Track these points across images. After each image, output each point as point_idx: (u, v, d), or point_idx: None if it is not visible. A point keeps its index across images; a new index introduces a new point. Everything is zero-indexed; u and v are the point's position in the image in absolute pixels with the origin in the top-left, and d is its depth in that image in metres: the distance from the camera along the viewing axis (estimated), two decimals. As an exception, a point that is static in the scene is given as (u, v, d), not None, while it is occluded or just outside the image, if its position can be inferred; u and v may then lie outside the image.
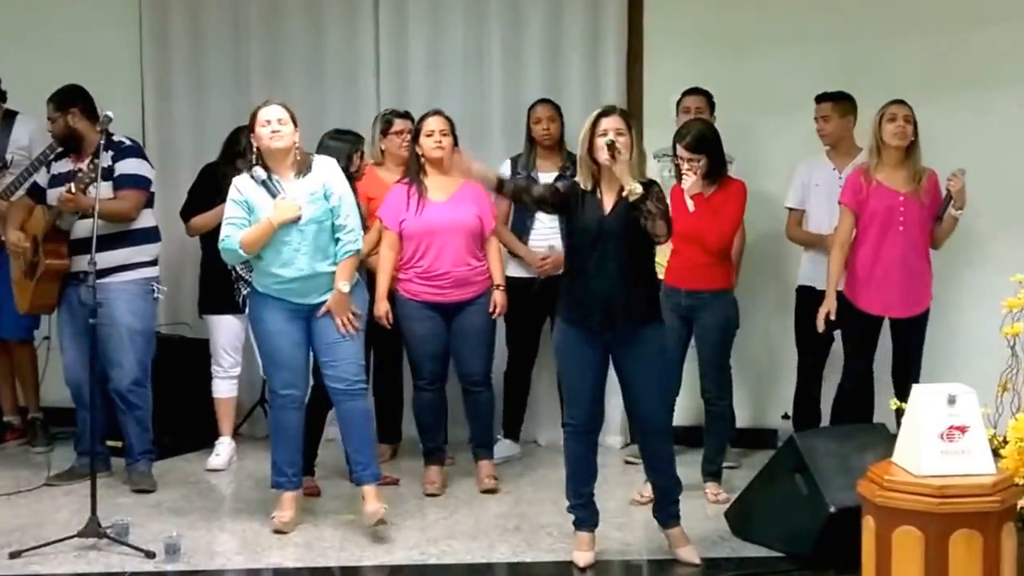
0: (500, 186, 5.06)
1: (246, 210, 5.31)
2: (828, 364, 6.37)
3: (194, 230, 6.61)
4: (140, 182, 5.99)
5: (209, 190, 6.45)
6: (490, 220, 6.04)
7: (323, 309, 5.35)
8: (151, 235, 6.11)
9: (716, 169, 5.76)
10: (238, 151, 6.38)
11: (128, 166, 5.94)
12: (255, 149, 5.34)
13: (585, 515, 5.08)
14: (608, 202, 4.86)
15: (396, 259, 5.97)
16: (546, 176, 6.44)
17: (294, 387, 5.43)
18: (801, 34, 6.70)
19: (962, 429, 4.04)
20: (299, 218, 5.27)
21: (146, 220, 6.07)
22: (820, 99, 6.33)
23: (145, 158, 6.12)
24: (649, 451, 5.13)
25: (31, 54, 7.23)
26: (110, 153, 5.90)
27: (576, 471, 5.07)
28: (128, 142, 6.06)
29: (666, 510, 5.11)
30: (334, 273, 5.36)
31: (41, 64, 7.13)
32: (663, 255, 5.69)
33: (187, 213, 6.60)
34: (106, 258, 5.75)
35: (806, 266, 6.44)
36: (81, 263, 5.73)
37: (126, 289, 5.88)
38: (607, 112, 4.89)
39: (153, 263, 6.09)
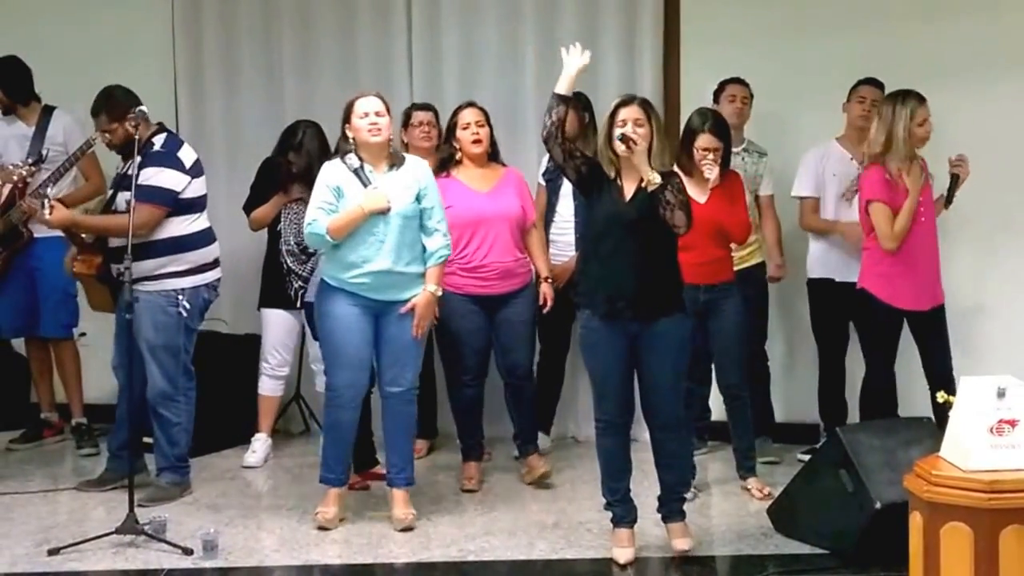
0: (564, 99, 4.82)
1: (336, 196, 5.29)
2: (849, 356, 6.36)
3: (255, 224, 6.59)
4: (153, 195, 5.62)
5: (268, 183, 6.45)
6: (531, 210, 6.01)
7: (408, 306, 5.32)
8: (183, 244, 5.81)
9: (728, 159, 5.74)
10: (294, 143, 6.37)
11: (144, 176, 5.62)
12: (351, 140, 5.32)
13: (623, 511, 5.04)
14: (628, 191, 4.84)
15: None
16: None
17: (356, 385, 5.39)
18: (838, 24, 6.65)
19: (1012, 423, 3.99)
20: (388, 210, 5.24)
21: (175, 229, 5.77)
22: (870, 83, 6.26)
23: (171, 165, 5.74)
24: (659, 445, 5.06)
25: (64, 49, 7.24)
26: (138, 160, 5.65)
27: (609, 467, 5.04)
28: (158, 146, 5.80)
29: (669, 506, 5.06)
30: (410, 274, 5.34)
31: (74, 58, 7.16)
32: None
33: (249, 207, 6.59)
34: (133, 268, 5.69)
35: (818, 257, 6.39)
36: (115, 270, 5.69)
37: (148, 300, 5.63)
38: (626, 102, 4.87)
39: (186, 273, 5.80)
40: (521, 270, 5.96)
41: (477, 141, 5.90)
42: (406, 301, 5.34)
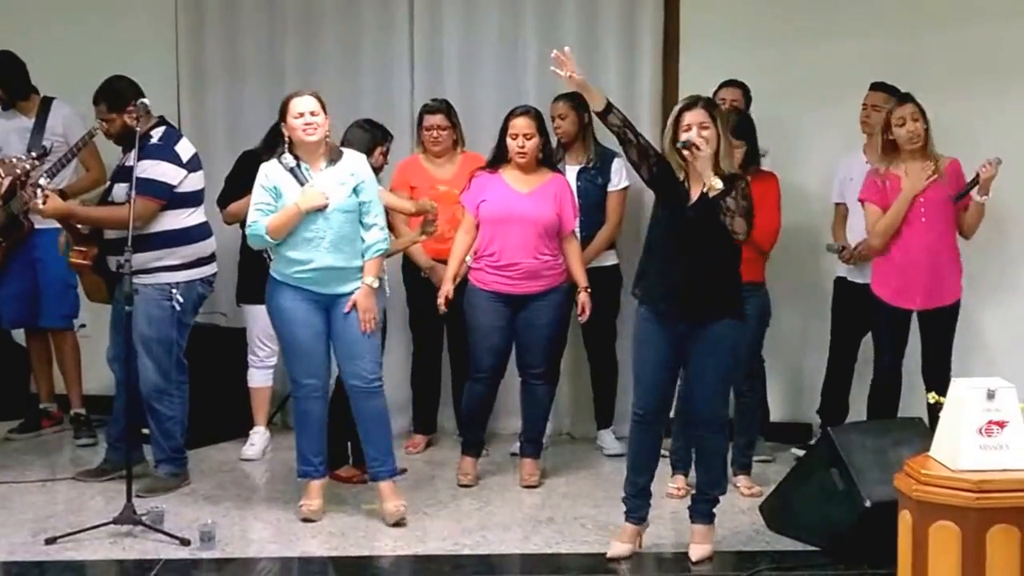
0: (607, 110, 4.87)
1: (273, 196, 5.34)
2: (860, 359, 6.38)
3: (230, 217, 6.54)
4: (148, 188, 5.62)
5: (246, 177, 6.45)
6: (570, 220, 5.97)
7: (349, 304, 5.36)
8: (178, 238, 5.83)
9: (752, 159, 5.76)
10: (283, 141, 6.37)
11: (140, 169, 5.57)
12: (286, 138, 5.36)
13: (632, 506, 5.07)
14: (694, 194, 4.85)
15: (470, 243, 5.96)
16: (571, 170, 6.43)
17: (316, 377, 5.44)
18: (837, 27, 6.66)
19: (1001, 424, 4.03)
20: (326, 206, 5.29)
21: (170, 223, 5.80)
22: (877, 88, 6.27)
23: (167, 158, 5.76)
24: (696, 444, 5.15)
25: (67, 42, 7.26)
26: (135, 152, 5.65)
27: (635, 460, 5.07)
28: (155, 139, 5.81)
29: (695, 506, 5.09)
30: (353, 268, 5.37)
31: (77, 52, 7.15)
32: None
33: (223, 201, 6.57)
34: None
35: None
36: (112, 262, 5.74)
37: (143, 293, 5.62)
38: (690, 105, 4.87)
39: (180, 267, 5.83)
40: (549, 272, 5.91)
41: (521, 153, 5.90)
42: (351, 295, 5.38)
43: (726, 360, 4.95)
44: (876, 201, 5.75)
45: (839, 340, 6.42)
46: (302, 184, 5.32)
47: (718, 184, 4.72)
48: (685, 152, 4.76)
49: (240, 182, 6.49)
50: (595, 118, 6.27)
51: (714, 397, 4.97)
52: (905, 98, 5.69)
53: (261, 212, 5.34)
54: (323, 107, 5.37)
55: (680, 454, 5.79)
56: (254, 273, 6.46)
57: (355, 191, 5.36)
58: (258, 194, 5.38)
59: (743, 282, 5.68)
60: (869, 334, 6.20)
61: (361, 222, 5.40)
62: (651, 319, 4.93)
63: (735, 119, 5.68)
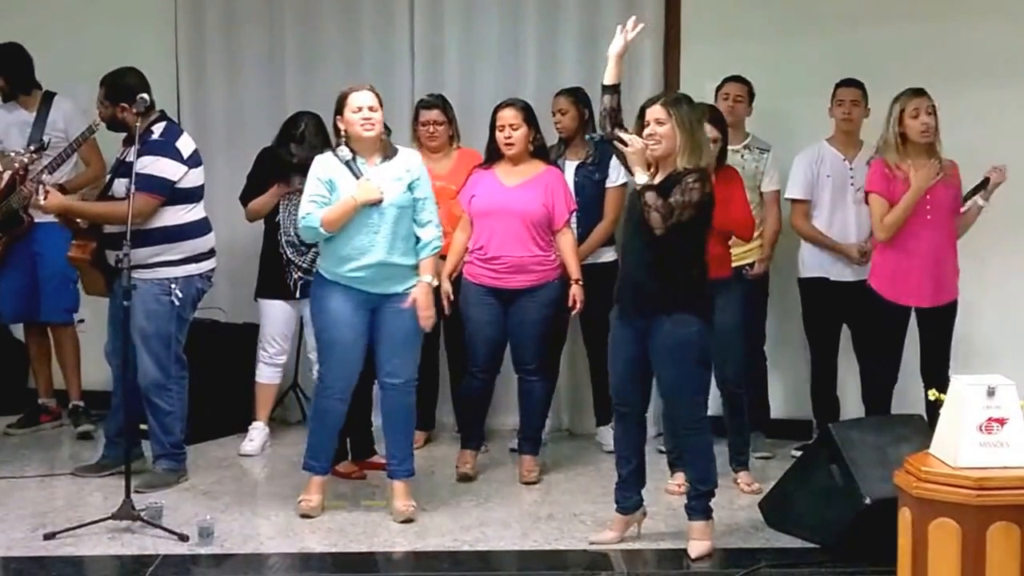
0: (610, 90, 4.97)
1: (328, 189, 5.31)
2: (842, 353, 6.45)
3: (252, 214, 6.57)
4: (150, 184, 5.60)
5: (266, 174, 6.47)
6: (563, 213, 5.95)
7: (409, 300, 5.34)
8: (178, 234, 5.82)
9: (723, 152, 5.77)
10: (295, 134, 6.38)
11: (141, 164, 5.61)
12: (343, 132, 5.35)
13: (617, 496, 5.12)
14: None
15: (466, 241, 5.99)
16: (570, 165, 6.45)
17: (346, 378, 5.42)
18: (837, 22, 6.67)
19: (1001, 421, 4.03)
20: (381, 201, 5.27)
21: (170, 218, 5.77)
22: (849, 84, 6.31)
23: (168, 154, 5.74)
24: (679, 443, 5.20)
25: (67, 37, 7.24)
26: (136, 147, 5.61)
27: (616, 452, 5.15)
28: (156, 135, 5.79)
29: (688, 503, 5.09)
30: (404, 266, 5.36)
31: (77, 47, 7.15)
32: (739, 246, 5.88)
33: (246, 198, 6.58)
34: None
35: (811, 257, 6.43)
36: (110, 257, 5.73)
37: (142, 288, 5.59)
38: (650, 103, 4.93)
39: (180, 262, 5.80)
40: (539, 267, 5.91)
41: (508, 144, 5.93)
42: (401, 294, 5.36)
43: (682, 357, 4.87)
44: (883, 193, 5.69)
45: (819, 339, 6.45)
46: (357, 178, 5.30)
47: (639, 180, 4.79)
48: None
49: (259, 179, 6.52)
50: (595, 114, 6.43)
51: (677, 394, 4.96)
52: (920, 91, 5.67)
53: (316, 204, 5.30)
54: (380, 102, 5.37)
55: (677, 452, 5.78)
56: (273, 268, 6.47)
57: (410, 187, 5.36)
58: (313, 186, 5.34)
59: (724, 277, 5.69)
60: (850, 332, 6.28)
61: (415, 219, 5.39)
62: (616, 313, 5.00)
63: (710, 114, 5.67)
